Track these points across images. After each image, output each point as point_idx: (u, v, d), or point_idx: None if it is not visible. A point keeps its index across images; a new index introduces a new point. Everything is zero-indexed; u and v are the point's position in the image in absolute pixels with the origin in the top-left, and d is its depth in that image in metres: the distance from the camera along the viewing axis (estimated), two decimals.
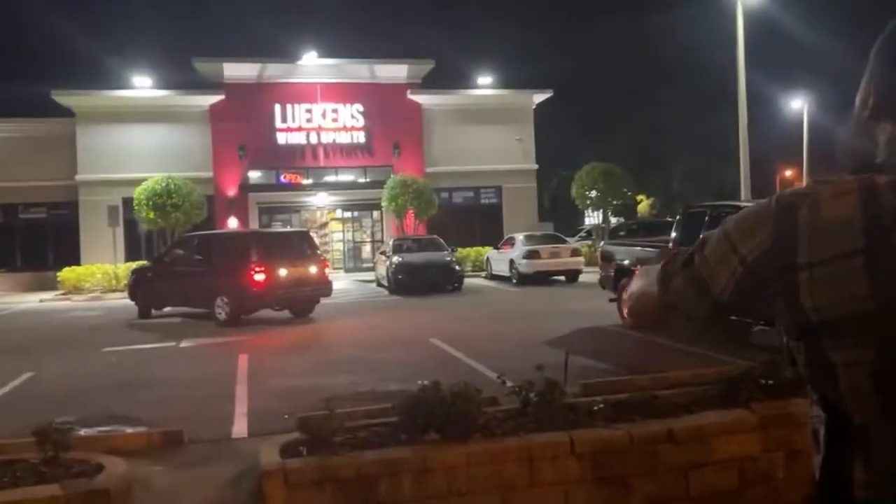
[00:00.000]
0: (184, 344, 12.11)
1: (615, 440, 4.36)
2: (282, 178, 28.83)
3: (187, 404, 7.56)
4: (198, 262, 15.40)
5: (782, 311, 1.00)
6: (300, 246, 15.84)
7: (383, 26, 48.66)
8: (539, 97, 31.63)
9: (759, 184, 28.62)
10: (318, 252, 16.64)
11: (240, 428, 6.49)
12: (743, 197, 22.99)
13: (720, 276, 1.05)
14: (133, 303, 16.54)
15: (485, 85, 32.13)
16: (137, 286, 16.63)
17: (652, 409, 4.80)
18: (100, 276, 23.77)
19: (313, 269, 15.28)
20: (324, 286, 15.54)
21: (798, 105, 36.87)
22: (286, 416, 6.16)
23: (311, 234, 19.72)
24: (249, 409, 7.12)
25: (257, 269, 14.14)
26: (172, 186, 23.87)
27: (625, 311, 11.92)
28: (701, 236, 1.11)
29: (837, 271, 0.92)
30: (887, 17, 1.03)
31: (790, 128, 37.96)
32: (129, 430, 6.11)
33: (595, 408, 4.88)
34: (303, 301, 15.19)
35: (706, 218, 10.31)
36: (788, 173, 47.61)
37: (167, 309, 16.18)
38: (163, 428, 5.93)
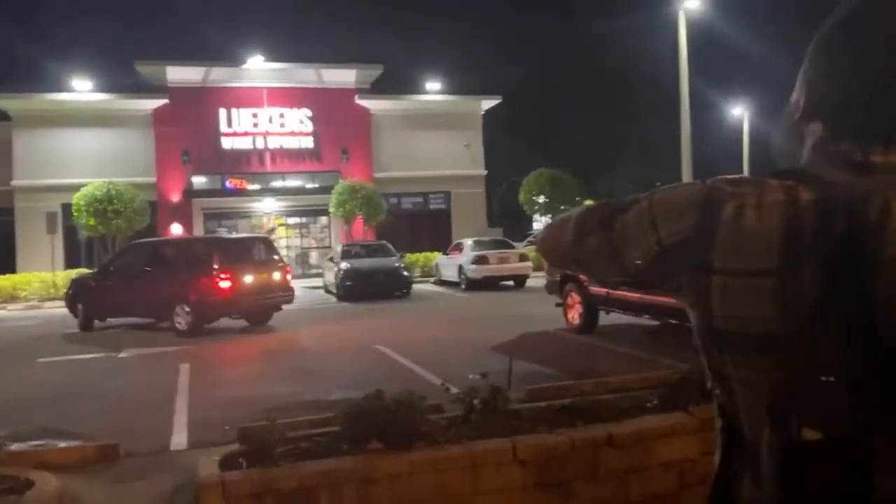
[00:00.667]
0: (123, 354, 11.81)
1: (557, 446, 4.38)
2: (227, 183, 28.46)
3: (125, 416, 7.37)
4: (153, 269, 14.66)
5: (689, 305, 0.97)
6: (262, 252, 15.49)
7: (331, 31, 48.44)
8: (487, 103, 31.82)
9: None
10: (280, 258, 16.34)
11: (179, 440, 6.34)
12: None
13: (635, 249, 1.00)
14: (72, 314, 15.70)
15: (433, 91, 32.20)
16: (78, 297, 15.60)
17: (594, 414, 4.84)
18: (37, 285, 23.06)
19: (276, 276, 14.97)
20: (287, 293, 15.24)
21: (739, 112, 37.82)
22: (227, 428, 6.03)
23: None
24: (190, 421, 6.97)
25: (222, 275, 13.69)
26: (114, 192, 23.33)
27: (570, 316, 12.04)
28: (629, 198, 1.05)
29: (749, 286, 0.89)
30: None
31: (732, 133, 38.93)
32: (63, 444, 5.91)
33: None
34: (266, 308, 14.82)
35: None
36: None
37: (109, 320, 15.70)
38: (98, 441, 5.75)
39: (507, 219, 39.43)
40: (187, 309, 13.72)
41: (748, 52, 40.98)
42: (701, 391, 4.84)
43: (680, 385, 5.05)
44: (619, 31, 40.06)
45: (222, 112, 28.41)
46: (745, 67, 44.38)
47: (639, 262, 1.00)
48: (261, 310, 14.75)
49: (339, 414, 4.79)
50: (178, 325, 13.80)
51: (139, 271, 14.83)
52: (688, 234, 0.95)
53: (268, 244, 16.48)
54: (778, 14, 44.73)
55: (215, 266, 13.91)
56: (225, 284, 13.72)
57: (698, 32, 26.78)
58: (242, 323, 14.71)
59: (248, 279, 14.12)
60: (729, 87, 39.45)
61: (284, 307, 15.53)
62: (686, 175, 24.00)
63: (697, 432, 4.56)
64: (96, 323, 15.46)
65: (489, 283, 21.03)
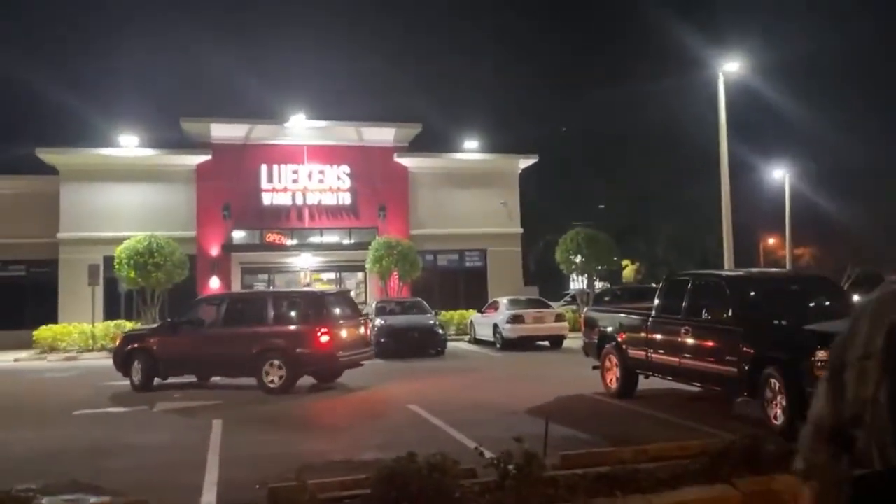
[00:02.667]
0: (157, 408, 11.82)
1: None
2: (266, 239, 28.86)
3: (156, 472, 7.32)
4: (236, 324, 13.84)
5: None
6: (346, 306, 15.08)
7: (371, 89, 49.40)
8: (525, 162, 31.96)
9: (742, 252, 28.86)
10: (362, 313, 15.93)
11: (209, 498, 6.26)
12: (726, 265, 23.12)
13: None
14: (121, 372, 14.28)
15: (471, 149, 32.44)
16: (135, 354, 14.19)
17: (634, 484, 4.67)
18: (76, 336, 23.38)
19: (361, 331, 14.71)
20: (369, 348, 14.88)
21: (780, 174, 37.43)
22: (257, 487, 5.95)
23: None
24: (220, 478, 6.89)
25: (322, 330, 13.22)
26: (155, 245, 23.70)
27: (608, 379, 11.78)
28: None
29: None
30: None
31: (773, 196, 38.49)
32: (93, 500, 5.86)
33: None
34: (351, 364, 14.14)
35: (688, 286, 10.27)
36: (771, 241, 48.11)
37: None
38: (128, 497, 5.70)
39: (544, 278, 39.18)
40: (281, 364, 13.14)
41: (789, 113, 40.82)
42: (746, 462, 4.65)
43: (723, 455, 4.86)
44: (658, 91, 40.24)
45: (263, 168, 28.90)
46: (787, 129, 44.09)
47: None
48: (346, 366, 14.11)
49: (370, 476, 4.69)
50: (269, 384, 13.11)
51: (218, 326, 14.00)
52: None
53: (349, 298, 16.22)
54: (818, 75, 44.60)
55: (314, 320, 13.46)
56: (325, 339, 13.20)
57: (738, 94, 26.79)
58: (310, 380, 13.90)
59: (343, 334, 13.73)
60: (770, 149, 39.11)
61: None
62: (727, 237, 23.68)
63: None
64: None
65: (525, 343, 20.78)
